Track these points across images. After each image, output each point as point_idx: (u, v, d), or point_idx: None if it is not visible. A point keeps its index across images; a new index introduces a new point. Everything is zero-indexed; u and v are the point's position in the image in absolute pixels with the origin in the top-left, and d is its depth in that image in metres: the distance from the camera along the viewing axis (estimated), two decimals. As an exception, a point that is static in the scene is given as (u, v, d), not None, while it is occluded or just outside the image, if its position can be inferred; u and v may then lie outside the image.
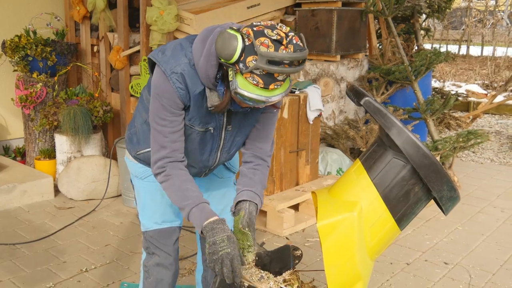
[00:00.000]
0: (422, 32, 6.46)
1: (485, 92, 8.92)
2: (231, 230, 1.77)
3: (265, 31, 1.57)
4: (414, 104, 4.73)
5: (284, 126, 3.94)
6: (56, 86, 4.67)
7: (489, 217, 4.22)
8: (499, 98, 7.45)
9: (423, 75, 4.88)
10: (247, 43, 1.57)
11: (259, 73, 1.57)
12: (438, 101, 4.65)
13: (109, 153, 4.64)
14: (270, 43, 1.55)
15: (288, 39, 1.57)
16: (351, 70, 5.20)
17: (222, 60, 1.62)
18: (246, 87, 1.59)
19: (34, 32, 4.73)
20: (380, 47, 5.75)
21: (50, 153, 4.71)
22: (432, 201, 1.75)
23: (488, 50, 11.59)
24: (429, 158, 1.56)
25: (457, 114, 7.44)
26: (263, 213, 3.86)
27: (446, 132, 6.49)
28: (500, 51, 11.46)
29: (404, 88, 5.19)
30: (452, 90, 6.94)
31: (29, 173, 4.45)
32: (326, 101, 4.97)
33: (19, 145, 5.11)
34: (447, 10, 6.05)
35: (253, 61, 1.55)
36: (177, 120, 1.80)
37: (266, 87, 1.59)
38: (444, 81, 9.41)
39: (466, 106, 8.25)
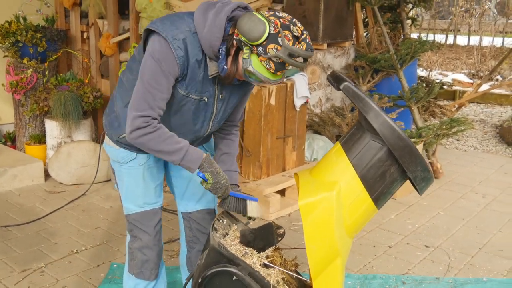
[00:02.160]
0: (409, 21, 6.55)
1: (471, 81, 9.06)
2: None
3: (291, 26, 1.74)
4: (399, 92, 4.83)
5: (271, 113, 4.02)
6: (47, 72, 4.71)
7: (470, 203, 4.34)
8: (485, 87, 7.58)
9: (408, 64, 4.97)
10: (272, 32, 1.72)
11: (275, 60, 1.74)
12: (423, 89, 4.75)
13: (99, 138, 4.69)
14: (290, 37, 1.73)
15: (303, 36, 1.75)
16: (338, 58, 5.28)
17: (242, 39, 1.74)
18: (258, 68, 1.77)
19: (24, 18, 4.75)
20: (367, 35, 5.83)
21: (40, 138, 4.76)
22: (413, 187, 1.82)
23: (475, 40, 11.72)
24: (403, 140, 1.65)
25: (443, 102, 7.57)
26: (250, 197, 3.94)
27: (431, 120, 6.61)
28: (487, 41, 11.60)
29: (389, 77, 5.29)
30: (437, 79, 7.05)
31: (19, 158, 4.50)
32: (313, 89, 5.05)
33: (9, 130, 5.15)
34: (433, -1, 6.13)
35: (273, 49, 1.72)
36: (169, 88, 1.85)
37: (274, 73, 1.78)
38: (430, 70, 9.54)
39: (452, 95, 8.39)
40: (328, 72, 5.19)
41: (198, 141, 2.15)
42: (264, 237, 1.88)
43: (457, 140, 6.32)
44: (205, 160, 1.88)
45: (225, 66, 1.83)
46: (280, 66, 1.76)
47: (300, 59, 1.77)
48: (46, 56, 4.75)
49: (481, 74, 9.51)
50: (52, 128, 4.57)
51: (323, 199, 1.72)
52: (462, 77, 9.17)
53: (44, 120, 4.65)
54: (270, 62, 1.74)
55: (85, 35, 5.05)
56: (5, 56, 4.72)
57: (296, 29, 1.74)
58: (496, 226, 3.87)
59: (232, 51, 1.82)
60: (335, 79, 1.76)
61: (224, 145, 2.21)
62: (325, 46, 5.02)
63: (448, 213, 4.11)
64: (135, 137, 1.85)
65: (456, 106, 6.97)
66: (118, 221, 3.73)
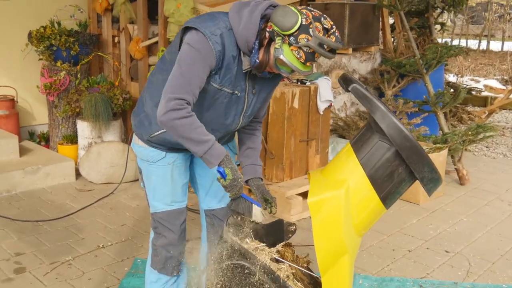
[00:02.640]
0: (438, 26, 6.51)
1: (504, 87, 8.91)
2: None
3: (322, 19, 1.85)
4: (424, 97, 4.82)
5: (295, 116, 4.08)
6: (79, 74, 4.90)
7: (495, 210, 4.29)
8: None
9: (434, 69, 4.95)
10: (303, 23, 1.81)
11: (305, 50, 1.83)
12: (448, 94, 4.73)
13: (128, 139, 4.84)
14: (321, 29, 1.83)
15: (332, 30, 1.86)
16: (364, 63, 5.30)
17: (276, 29, 1.84)
18: (289, 57, 1.86)
19: (59, 23, 4.96)
20: (395, 41, 5.83)
21: (72, 139, 4.94)
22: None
23: (509, 45, 11.50)
24: (410, 140, 1.69)
25: (474, 109, 7.48)
26: (272, 199, 4.01)
27: (460, 126, 6.53)
28: (521, 47, 11.39)
29: (416, 82, 5.28)
30: (465, 85, 6.97)
31: (52, 157, 4.68)
32: (338, 93, 5.09)
33: (43, 130, 5.36)
34: (463, 4, 6.07)
35: (304, 39, 1.81)
36: (204, 77, 1.90)
37: (304, 63, 1.86)
38: (462, 76, 9.42)
39: (483, 101, 8.27)
40: (354, 77, 5.23)
41: (226, 138, 2.23)
42: (275, 233, 1.94)
43: (486, 147, 6.23)
44: (227, 157, 1.93)
45: (257, 60, 1.92)
46: (310, 56, 1.84)
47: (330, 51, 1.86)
48: (79, 59, 4.93)
49: (515, 80, 9.34)
50: (84, 128, 4.74)
51: (331, 197, 1.77)
52: (494, 83, 9.02)
53: (76, 121, 4.83)
54: (301, 51, 1.83)
55: (116, 39, 5.22)
56: (40, 59, 4.93)
57: (327, 22, 1.85)
58: (520, 233, 3.83)
59: (265, 43, 1.91)
60: (344, 81, 1.81)
61: (249, 140, 2.29)
62: (350, 50, 5.06)
63: (472, 220, 4.08)
64: (168, 119, 1.85)
65: (487, 112, 6.88)
66: (144, 219, 3.85)
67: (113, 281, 2.98)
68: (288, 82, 4.34)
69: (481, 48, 11.92)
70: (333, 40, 1.84)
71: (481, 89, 7.49)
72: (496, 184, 4.94)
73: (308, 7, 1.88)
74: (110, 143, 4.65)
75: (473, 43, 12.01)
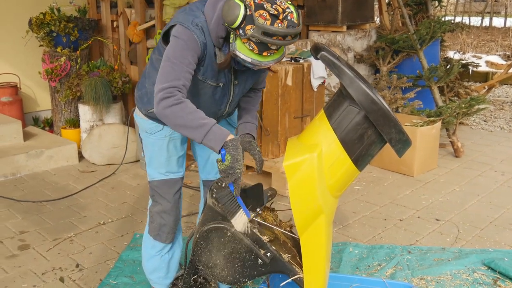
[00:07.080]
0: (435, 2, 6.52)
1: (505, 63, 8.90)
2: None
3: (265, 5, 1.79)
4: (418, 71, 4.87)
5: (288, 93, 4.17)
6: (79, 59, 5.01)
7: (488, 180, 4.37)
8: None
9: (428, 44, 5.00)
10: (248, 13, 1.79)
11: (254, 41, 1.81)
12: (442, 68, 4.78)
13: (128, 121, 4.95)
14: (267, 16, 1.78)
15: (284, 14, 1.79)
16: (359, 40, 5.35)
17: (225, 24, 1.87)
18: (243, 50, 1.86)
19: (58, 10, 5.06)
20: (391, 17, 5.87)
21: (75, 123, 5.07)
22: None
23: (511, 21, 11.44)
24: (376, 104, 1.78)
25: (475, 84, 7.50)
26: (268, 174, 4.12)
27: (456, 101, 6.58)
28: (525, 22, 11.33)
29: (411, 57, 5.32)
30: (463, 60, 6.99)
31: (55, 140, 4.82)
32: (334, 71, 5.15)
33: (47, 116, 5.49)
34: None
35: (250, 30, 1.79)
36: (193, 64, 1.94)
37: (260, 53, 1.84)
38: (464, 53, 9.41)
39: (485, 77, 8.28)
40: (349, 54, 5.29)
41: (221, 118, 2.32)
42: (254, 197, 2.04)
43: (484, 121, 6.28)
44: (231, 141, 1.90)
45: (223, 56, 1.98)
46: (262, 46, 1.82)
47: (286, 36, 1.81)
48: (78, 45, 5.04)
49: (517, 55, 9.32)
50: (85, 112, 4.87)
51: (305, 160, 1.87)
52: (496, 59, 9.02)
53: (78, 105, 4.96)
54: (251, 43, 1.81)
55: (115, 24, 5.31)
56: (41, 45, 5.04)
57: (275, 7, 1.78)
58: (511, 201, 3.90)
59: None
60: (315, 50, 1.90)
61: (243, 102, 2.32)
62: (344, 28, 5.11)
63: (464, 190, 4.16)
64: (160, 110, 1.90)
65: (486, 87, 6.90)
66: (144, 197, 3.98)
67: (112, 255, 3.12)
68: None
69: (484, 25, 11.86)
70: (285, 25, 1.78)
71: (478, 63, 7.49)
72: (491, 155, 5.00)
73: None
74: (111, 125, 4.77)
75: (476, 20, 11.95)
